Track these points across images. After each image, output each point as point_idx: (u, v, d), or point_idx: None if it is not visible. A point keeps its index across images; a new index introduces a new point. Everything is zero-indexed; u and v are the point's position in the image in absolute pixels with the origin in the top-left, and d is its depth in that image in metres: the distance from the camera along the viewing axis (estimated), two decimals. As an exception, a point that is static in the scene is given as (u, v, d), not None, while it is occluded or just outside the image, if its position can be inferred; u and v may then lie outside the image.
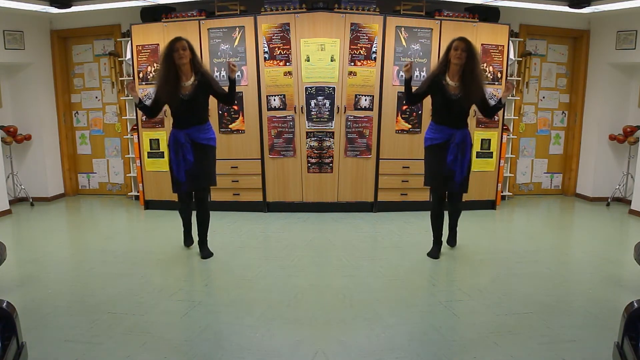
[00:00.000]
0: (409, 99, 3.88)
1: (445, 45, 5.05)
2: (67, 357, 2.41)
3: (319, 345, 2.51)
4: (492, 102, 3.84)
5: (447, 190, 3.87)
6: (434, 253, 3.97)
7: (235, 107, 5.22)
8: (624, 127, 5.83)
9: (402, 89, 5.05)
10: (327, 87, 5.14)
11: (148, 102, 3.85)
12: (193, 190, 3.88)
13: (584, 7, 5.10)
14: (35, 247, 4.29)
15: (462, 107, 3.70)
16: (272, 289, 3.28)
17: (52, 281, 3.47)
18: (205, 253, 3.97)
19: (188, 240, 4.22)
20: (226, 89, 3.79)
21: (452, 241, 4.18)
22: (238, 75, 4.77)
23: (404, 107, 5.25)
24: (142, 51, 5.33)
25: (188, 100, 3.64)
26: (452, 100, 3.65)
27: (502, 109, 3.73)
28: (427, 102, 5.27)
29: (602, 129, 6.03)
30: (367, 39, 5.11)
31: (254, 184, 5.39)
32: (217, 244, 4.38)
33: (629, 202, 5.73)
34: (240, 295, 3.18)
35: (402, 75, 4.67)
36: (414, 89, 3.82)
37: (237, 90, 4.48)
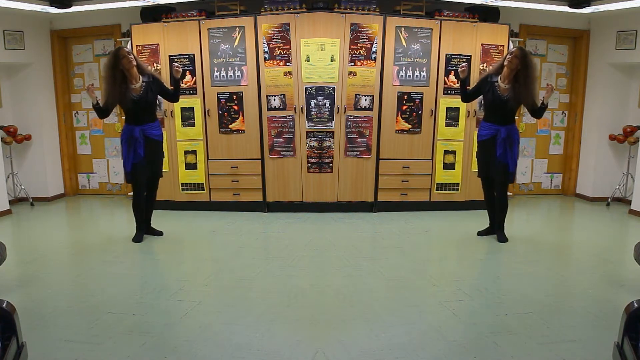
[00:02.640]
0: (464, 96, 4.33)
1: (445, 45, 5.18)
2: (67, 357, 2.40)
3: (319, 345, 2.51)
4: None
5: (502, 180, 4.22)
6: (483, 232, 4.52)
7: (235, 107, 5.23)
8: (624, 127, 5.83)
9: (402, 89, 5.19)
10: (327, 87, 5.14)
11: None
12: (144, 179, 4.25)
13: (584, 7, 5.09)
14: (35, 247, 4.29)
15: (508, 107, 4.05)
16: (272, 289, 3.27)
17: (52, 281, 3.47)
18: (152, 232, 4.53)
19: (139, 235, 4.36)
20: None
21: (501, 237, 4.35)
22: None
23: (404, 107, 5.25)
24: (142, 51, 5.33)
25: (138, 100, 4.07)
26: (500, 100, 4.04)
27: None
28: (427, 103, 5.34)
29: (602, 129, 6.03)
30: (367, 39, 5.11)
31: (254, 184, 5.39)
32: (217, 244, 4.39)
33: (629, 202, 5.73)
34: (240, 295, 3.18)
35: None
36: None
37: (236, 92, 5.11)
